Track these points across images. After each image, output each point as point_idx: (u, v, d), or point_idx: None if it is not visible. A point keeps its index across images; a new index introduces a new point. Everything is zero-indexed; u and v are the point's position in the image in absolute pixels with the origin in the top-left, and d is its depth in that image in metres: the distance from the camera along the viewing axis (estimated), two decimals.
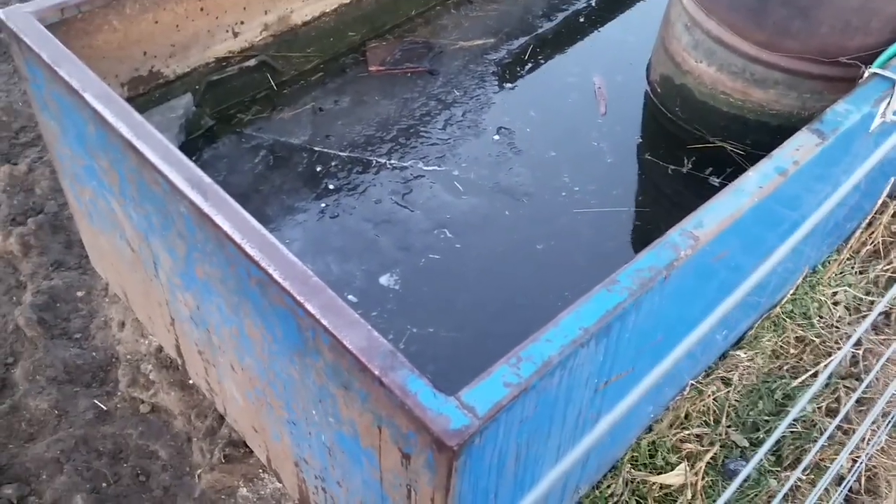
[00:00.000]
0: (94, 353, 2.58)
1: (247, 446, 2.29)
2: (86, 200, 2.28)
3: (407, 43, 3.29)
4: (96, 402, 2.45)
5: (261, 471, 2.28)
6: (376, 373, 1.29)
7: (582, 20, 3.52)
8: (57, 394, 2.45)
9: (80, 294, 2.73)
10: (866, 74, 2.07)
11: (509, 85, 3.15)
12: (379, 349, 1.32)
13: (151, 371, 2.51)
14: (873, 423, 2.38)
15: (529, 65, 3.25)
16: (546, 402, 1.43)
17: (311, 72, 3.12)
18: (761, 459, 2.29)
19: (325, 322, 1.36)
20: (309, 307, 1.38)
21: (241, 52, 2.83)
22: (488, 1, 3.58)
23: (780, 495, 2.10)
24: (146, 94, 2.61)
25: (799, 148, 1.79)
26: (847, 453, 2.30)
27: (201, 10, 2.59)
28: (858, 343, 2.61)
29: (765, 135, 2.61)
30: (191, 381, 2.45)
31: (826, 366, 2.52)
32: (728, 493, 0.88)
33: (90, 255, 2.67)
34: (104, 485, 2.26)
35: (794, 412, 0.93)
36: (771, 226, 2.03)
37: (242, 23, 2.76)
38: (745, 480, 2.27)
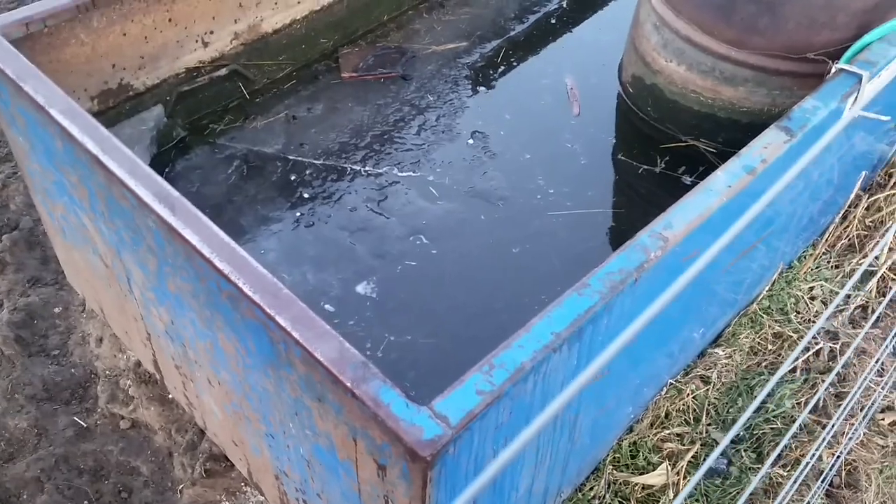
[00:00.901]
0: (72, 370, 2.56)
1: (228, 460, 2.28)
2: (58, 216, 2.25)
3: (379, 48, 3.29)
4: (76, 419, 2.43)
5: (242, 484, 2.27)
6: (348, 384, 1.29)
7: (553, 22, 3.53)
8: (36, 412, 2.43)
9: (57, 310, 2.71)
10: (833, 70, 2.09)
11: (483, 88, 3.15)
12: (350, 360, 1.31)
13: (130, 386, 2.49)
14: (852, 416, 2.40)
15: (502, 68, 3.26)
16: (521, 408, 1.43)
17: (284, 80, 3.11)
18: (742, 457, 2.31)
19: (295, 334, 1.35)
20: (280, 320, 1.37)
21: (211, 62, 2.81)
22: (460, 4, 3.58)
23: (747, 490, 2.11)
24: (116, 107, 2.59)
25: (767, 146, 1.80)
26: (827, 448, 2.32)
27: (170, 20, 2.57)
28: (836, 337, 2.63)
29: (736, 132, 2.63)
30: (170, 396, 2.43)
31: (805, 360, 2.54)
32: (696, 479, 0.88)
33: (65, 271, 2.65)
34: (86, 503, 2.24)
35: (759, 398, 0.93)
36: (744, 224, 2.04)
37: (212, 32, 2.74)
38: (725, 478, 2.28)
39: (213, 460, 2.31)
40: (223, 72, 2.87)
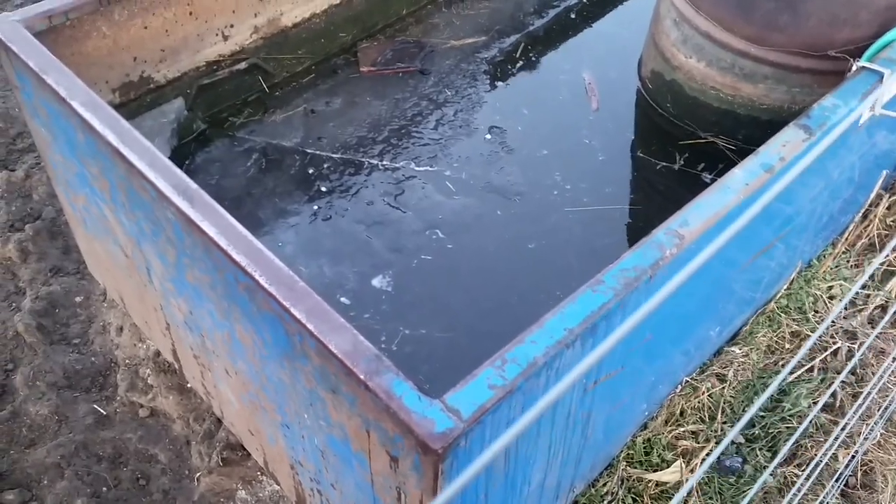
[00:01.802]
0: (93, 359, 2.59)
1: (244, 449, 2.30)
2: (80, 207, 2.28)
3: (398, 43, 3.29)
4: (96, 406, 2.46)
5: (259, 473, 2.29)
6: (361, 377, 1.30)
7: (573, 16, 3.52)
8: (57, 399, 2.46)
9: (78, 299, 2.75)
10: (854, 68, 2.07)
11: (501, 83, 3.15)
12: (364, 353, 1.33)
13: (150, 375, 2.52)
14: (868, 416, 2.38)
15: (521, 63, 3.25)
16: (533, 403, 1.43)
17: (303, 74, 3.13)
18: (757, 455, 2.30)
19: (310, 327, 1.36)
20: (295, 312, 1.39)
21: (231, 56, 2.83)
22: None
23: (753, 488, 2.10)
24: (137, 100, 2.62)
25: (786, 144, 1.79)
26: (843, 448, 2.30)
27: (190, 14, 2.59)
28: (854, 337, 2.61)
29: (756, 129, 2.61)
30: (188, 385, 2.46)
31: (822, 360, 2.53)
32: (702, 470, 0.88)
33: (87, 261, 2.68)
34: (104, 489, 2.28)
35: (769, 392, 0.93)
36: (761, 222, 2.04)
37: (232, 26, 2.76)
38: (740, 476, 2.27)
39: (229, 449, 2.33)
40: (243, 65, 2.89)
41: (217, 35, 2.74)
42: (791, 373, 2.47)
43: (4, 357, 2.57)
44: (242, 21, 2.79)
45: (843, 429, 2.32)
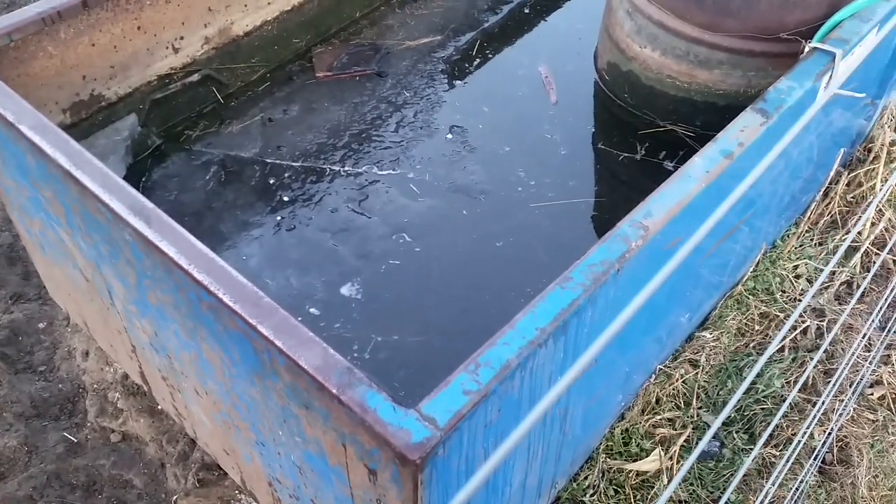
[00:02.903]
0: (60, 385, 2.53)
1: (221, 469, 2.27)
2: (36, 232, 2.23)
3: (353, 46, 3.26)
4: (66, 434, 2.41)
5: (237, 492, 2.26)
6: (334, 391, 1.28)
7: (528, 11, 3.52)
8: (25, 429, 2.41)
9: (41, 325, 2.69)
10: (807, 49, 2.09)
11: (459, 82, 3.13)
12: (335, 367, 1.30)
13: (119, 399, 2.47)
14: (841, 393, 2.41)
15: (478, 60, 3.24)
16: (510, 404, 1.42)
17: (258, 82, 3.09)
18: (734, 438, 2.31)
19: (278, 343, 1.34)
20: (262, 329, 1.36)
21: (183, 68, 2.78)
22: None
23: (738, 471, 2.12)
24: (89, 119, 2.56)
25: (744, 129, 1.80)
26: (818, 425, 2.33)
27: (138, 28, 2.54)
28: (823, 314, 2.64)
29: (713, 115, 2.63)
30: (159, 407, 2.41)
31: (792, 339, 2.55)
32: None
33: (47, 286, 2.62)
34: None
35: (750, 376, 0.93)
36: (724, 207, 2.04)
37: (182, 38, 2.71)
38: (718, 460, 2.29)
39: (205, 469, 2.29)
40: (195, 77, 2.84)
41: (167, 48, 2.69)
42: (762, 354, 2.49)
43: None
44: (192, 32, 2.74)
45: (814, 405, 2.35)
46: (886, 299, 2.62)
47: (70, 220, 1.88)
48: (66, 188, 1.73)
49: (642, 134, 2.85)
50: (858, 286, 2.71)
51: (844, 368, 2.37)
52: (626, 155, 2.80)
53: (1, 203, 2.99)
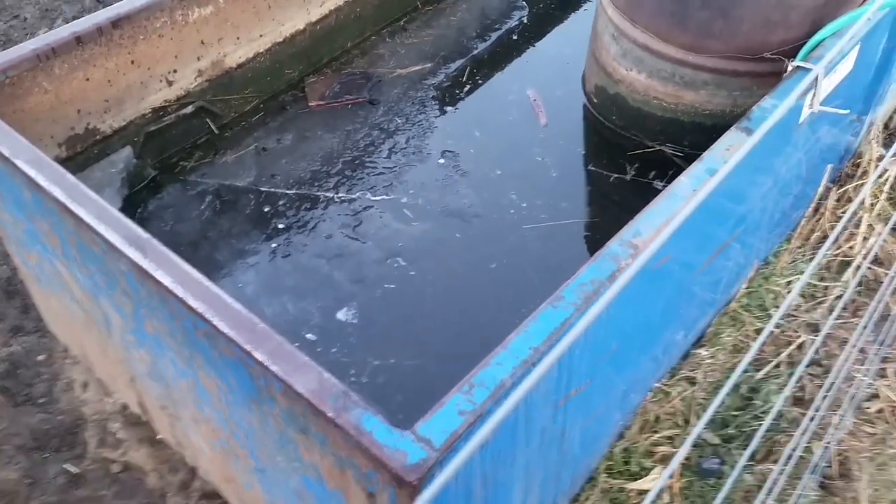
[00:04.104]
0: (60, 417, 2.53)
1: (221, 497, 2.26)
2: (33, 264, 2.24)
3: (345, 75, 3.31)
4: (67, 466, 2.41)
5: None
6: (330, 415, 1.29)
7: (515, 38, 3.57)
8: (26, 462, 2.40)
9: (40, 358, 2.69)
10: (790, 68, 2.12)
11: (450, 108, 3.17)
12: (331, 391, 1.32)
13: (119, 429, 2.47)
14: (839, 407, 2.42)
15: (468, 86, 3.28)
16: (505, 425, 1.43)
17: (251, 112, 3.12)
18: (734, 456, 2.32)
19: (274, 369, 1.35)
20: (257, 355, 1.37)
21: (177, 100, 2.81)
22: (422, 27, 3.61)
23: (724, 488, 2.12)
24: (85, 152, 2.59)
25: (729, 147, 1.83)
26: (817, 440, 2.33)
27: (132, 62, 2.58)
28: (818, 329, 2.65)
29: (701, 135, 2.66)
30: (159, 437, 2.41)
31: (788, 355, 2.56)
32: None
33: (45, 318, 2.63)
34: None
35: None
36: (714, 223, 2.07)
37: (176, 71, 2.75)
38: (720, 478, 2.29)
39: (206, 498, 2.29)
40: (189, 109, 2.87)
41: (161, 81, 2.72)
42: (758, 370, 2.50)
43: None
44: (186, 65, 2.78)
45: (812, 419, 2.35)
46: (879, 312, 2.64)
47: (66, 251, 1.90)
48: (62, 221, 1.75)
49: (631, 155, 2.88)
50: (852, 300, 2.73)
51: (840, 382, 2.38)
52: (617, 176, 2.83)
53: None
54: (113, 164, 2.68)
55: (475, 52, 3.47)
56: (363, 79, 3.28)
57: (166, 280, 1.49)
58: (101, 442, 2.46)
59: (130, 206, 2.72)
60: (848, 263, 2.81)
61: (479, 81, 3.31)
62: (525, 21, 3.65)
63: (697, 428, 0.99)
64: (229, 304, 1.45)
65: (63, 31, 2.35)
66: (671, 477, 2.22)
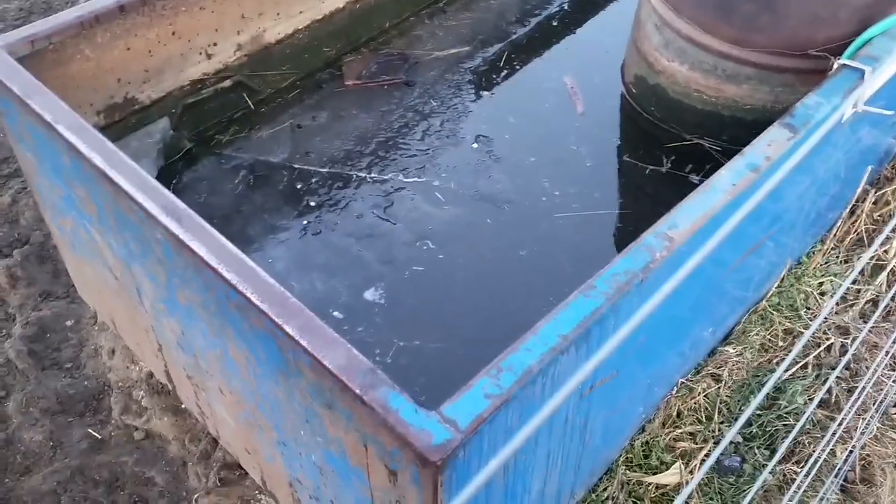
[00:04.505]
0: (85, 382, 2.57)
1: (241, 468, 2.29)
2: (67, 230, 2.27)
3: (382, 55, 3.30)
4: (90, 431, 2.45)
5: (257, 492, 2.28)
6: (357, 391, 1.29)
7: (555, 24, 3.54)
8: (51, 425, 2.45)
9: (69, 323, 2.73)
10: (836, 66, 2.09)
11: (486, 93, 3.16)
12: (359, 367, 1.32)
13: (143, 397, 2.50)
14: (864, 411, 2.39)
15: (505, 71, 3.26)
16: (530, 411, 1.43)
17: (288, 89, 3.13)
18: (755, 454, 2.30)
19: (303, 342, 1.36)
20: (287, 328, 1.38)
21: (216, 74, 2.83)
22: (461, 9, 3.59)
23: (753, 487, 2.10)
24: (123, 121, 2.61)
25: (771, 143, 1.80)
26: (840, 443, 2.31)
27: (173, 34, 2.59)
28: (847, 332, 2.62)
29: (740, 130, 2.63)
30: (183, 406, 2.44)
31: (816, 356, 2.53)
32: None
33: (76, 284, 2.67)
34: None
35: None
36: (750, 221, 2.04)
37: (215, 44, 2.76)
38: (739, 476, 2.27)
39: (227, 469, 2.32)
40: (227, 83, 2.89)
41: (201, 54, 2.74)
42: (785, 370, 2.48)
43: None
44: (226, 39, 2.79)
45: (839, 424, 2.33)
46: None
47: (102, 218, 1.92)
48: (101, 187, 1.77)
49: (668, 147, 2.85)
50: (884, 305, 2.69)
51: (867, 387, 2.35)
52: (652, 168, 2.80)
53: (33, 202, 3.05)
54: (150, 134, 2.70)
55: (514, 37, 3.45)
56: (400, 60, 3.28)
57: (202, 250, 1.50)
58: (125, 409, 2.49)
59: (165, 177, 2.74)
60: (882, 267, 2.77)
61: (517, 67, 3.29)
62: (566, 7, 3.62)
63: (731, 433, 0.98)
64: (262, 277, 1.46)
65: (107, 0, 2.37)
66: (689, 470, 2.21)
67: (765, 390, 0.92)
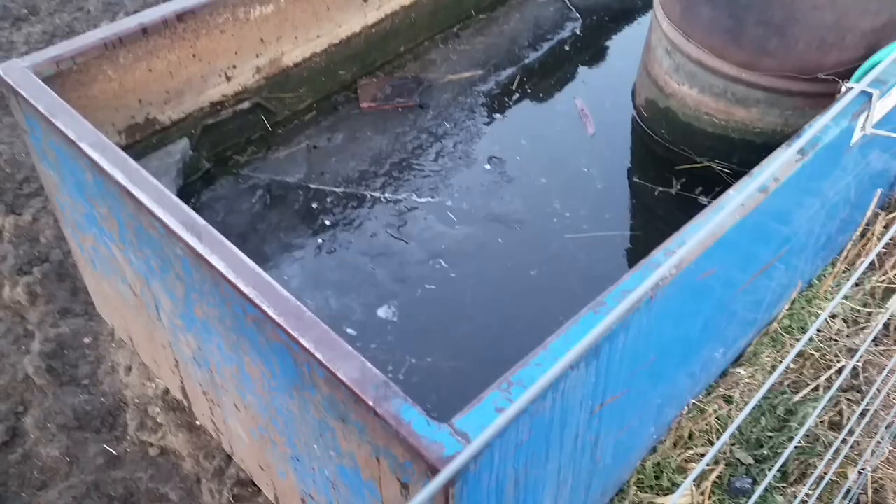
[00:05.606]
0: (102, 399, 2.60)
1: (255, 485, 2.30)
2: (88, 247, 2.31)
3: (397, 79, 3.36)
4: (106, 447, 2.46)
5: None
6: (370, 403, 1.32)
7: (567, 49, 3.59)
8: (67, 440, 2.47)
9: (86, 340, 2.76)
10: (844, 89, 2.11)
11: (498, 115, 3.20)
12: (372, 380, 1.35)
13: (159, 414, 2.53)
14: (876, 434, 2.39)
15: (517, 95, 3.31)
16: (540, 425, 1.45)
17: (305, 111, 3.19)
18: (766, 476, 2.30)
19: (318, 355, 1.38)
20: (303, 341, 1.41)
21: (234, 96, 2.89)
22: (475, 34, 3.65)
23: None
24: (143, 141, 2.67)
25: (779, 164, 1.82)
26: (852, 466, 2.30)
27: (194, 56, 2.65)
28: (858, 354, 2.61)
29: (750, 153, 2.65)
30: (197, 423, 2.46)
31: (827, 379, 2.53)
32: None
33: (95, 301, 2.71)
34: None
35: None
36: (759, 242, 2.06)
37: (235, 67, 2.82)
38: (750, 498, 2.27)
39: (240, 485, 2.33)
40: (246, 105, 2.94)
41: (220, 76, 2.80)
42: (796, 392, 2.48)
43: (15, 400, 2.58)
44: (245, 62, 2.85)
45: (850, 446, 2.32)
46: None
47: (123, 235, 1.96)
48: (123, 204, 1.82)
49: (679, 169, 2.88)
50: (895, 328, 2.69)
51: (877, 408, 2.34)
52: (662, 189, 2.83)
53: (53, 221, 3.11)
54: (170, 154, 2.75)
55: (526, 61, 3.50)
56: (414, 83, 3.33)
57: (220, 265, 1.54)
58: (141, 425, 2.51)
59: (184, 196, 2.79)
60: (893, 290, 2.77)
61: (529, 90, 3.34)
62: (577, 32, 3.67)
63: (723, 438, 0.99)
64: (279, 291, 1.49)
65: (130, 22, 2.43)
66: (700, 492, 2.21)
67: (753, 401, 0.94)
